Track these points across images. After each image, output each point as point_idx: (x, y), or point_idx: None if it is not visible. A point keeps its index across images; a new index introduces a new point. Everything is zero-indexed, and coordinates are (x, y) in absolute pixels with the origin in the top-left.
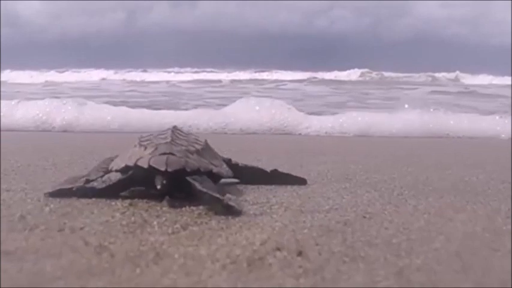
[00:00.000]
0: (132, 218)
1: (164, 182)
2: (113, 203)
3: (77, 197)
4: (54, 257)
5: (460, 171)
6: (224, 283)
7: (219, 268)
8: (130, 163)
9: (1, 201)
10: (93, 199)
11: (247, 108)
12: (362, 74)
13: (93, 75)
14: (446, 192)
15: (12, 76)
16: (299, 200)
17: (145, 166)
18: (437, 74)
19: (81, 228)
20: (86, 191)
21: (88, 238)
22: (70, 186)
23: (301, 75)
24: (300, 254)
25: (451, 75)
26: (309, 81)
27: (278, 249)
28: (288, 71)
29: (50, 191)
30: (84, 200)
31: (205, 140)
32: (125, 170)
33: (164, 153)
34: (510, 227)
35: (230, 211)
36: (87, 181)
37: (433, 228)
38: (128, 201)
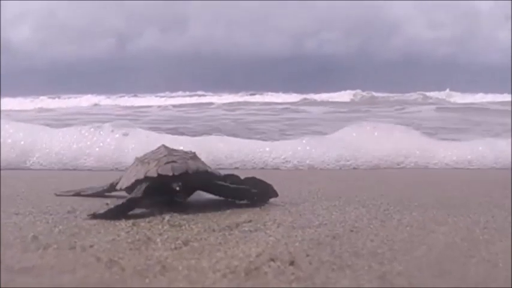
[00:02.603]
0: (137, 236)
1: (180, 183)
2: (117, 223)
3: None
4: (69, 272)
5: None
6: None
7: (220, 277)
8: (140, 177)
9: (13, 224)
10: (97, 221)
11: (363, 135)
12: (354, 95)
13: (84, 100)
14: (430, 207)
15: (4, 102)
16: (291, 217)
17: (155, 175)
18: (428, 93)
19: (91, 246)
20: (123, 208)
21: (98, 254)
22: (115, 206)
23: (294, 98)
24: (292, 263)
25: (442, 93)
26: (304, 103)
27: (272, 260)
28: (280, 93)
29: (96, 213)
30: (90, 221)
31: (194, 152)
32: (134, 185)
33: (168, 162)
34: (487, 236)
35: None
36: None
37: (416, 239)
38: (131, 221)
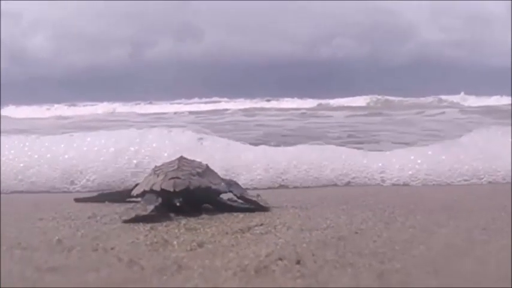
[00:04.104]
0: (155, 239)
1: (180, 199)
2: (136, 228)
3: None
4: (93, 271)
5: None
6: (236, 285)
7: (231, 275)
8: (147, 188)
9: (37, 229)
10: (117, 225)
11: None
12: (370, 100)
13: (100, 108)
14: (435, 211)
15: (20, 110)
16: (300, 220)
17: (158, 189)
18: (442, 96)
19: (112, 248)
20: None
21: (120, 255)
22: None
23: (310, 103)
24: (298, 262)
25: (456, 97)
26: (321, 108)
27: (280, 259)
28: (295, 99)
29: (127, 218)
30: (110, 226)
31: (206, 165)
32: (143, 193)
33: (172, 178)
34: (485, 237)
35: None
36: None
37: (416, 240)
38: (149, 225)
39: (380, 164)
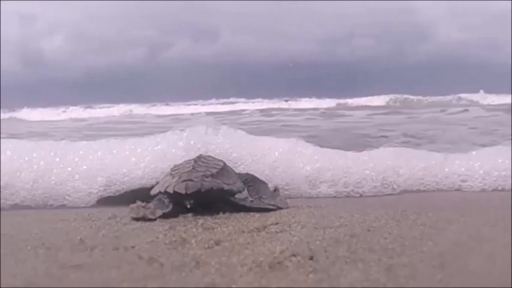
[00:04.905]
0: (173, 238)
1: (192, 201)
2: (155, 227)
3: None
4: (115, 268)
5: None
6: (251, 280)
7: (247, 270)
8: (162, 190)
9: (59, 229)
10: (136, 225)
11: None
12: (390, 99)
13: (116, 110)
14: (446, 209)
15: (36, 113)
16: (314, 219)
17: (171, 191)
18: (462, 95)
19: (133, 247)
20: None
21: (140, 253)
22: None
23: (328, 103)
24: (311, 258)
25: (475, 95)
26: (342, 107)
27: (293, 255)
28: (313, 98)
29: (135, 216)
30: (130, 226)
31: (223, 163)
32: (158, 194)
33: (184, 180)
34: (493, 234)
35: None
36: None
37: (425, 237)
38: (167, 225)
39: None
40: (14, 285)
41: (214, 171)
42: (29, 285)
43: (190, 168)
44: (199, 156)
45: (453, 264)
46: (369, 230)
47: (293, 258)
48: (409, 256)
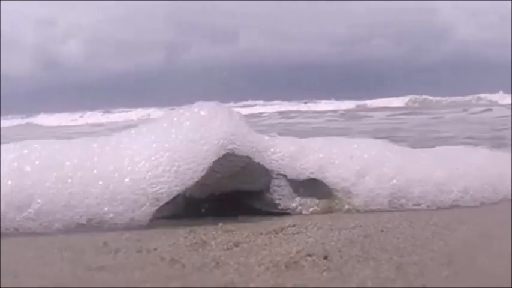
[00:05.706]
0: (194, 240)
1: (206, 205)
2: (176, 231)
3: None
4: (139, 269)
5: None
6: (268, 278)
7: (264, 269)
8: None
9: (83, 233)
10: (158, 228)
11: None
12: (409, 100)
13: (134, 114)
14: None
15: (53, 118)
16: (330, 221)
17: (188, 195)
18: (481, 95)
19: (155, 249)
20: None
21: (162, 255)
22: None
23: (348, 104)
24: (325, 258)
25: (495, 96)
26: (362, 109)
27: (309, 255)
28: (332, 100)
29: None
30: (152, 229)
31: (247, 162)
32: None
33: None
34: (503, 233)
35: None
36: None
37: (436, 236)
38: (188, 228)
39: None
40: (42, 286)
41: (233, 172)
42: (56, 285)
43: (209, 170)
44: (225, 156)
45: (461, 262)
46: (382, 231)
47: (308, 258)
48: (419, 255)
